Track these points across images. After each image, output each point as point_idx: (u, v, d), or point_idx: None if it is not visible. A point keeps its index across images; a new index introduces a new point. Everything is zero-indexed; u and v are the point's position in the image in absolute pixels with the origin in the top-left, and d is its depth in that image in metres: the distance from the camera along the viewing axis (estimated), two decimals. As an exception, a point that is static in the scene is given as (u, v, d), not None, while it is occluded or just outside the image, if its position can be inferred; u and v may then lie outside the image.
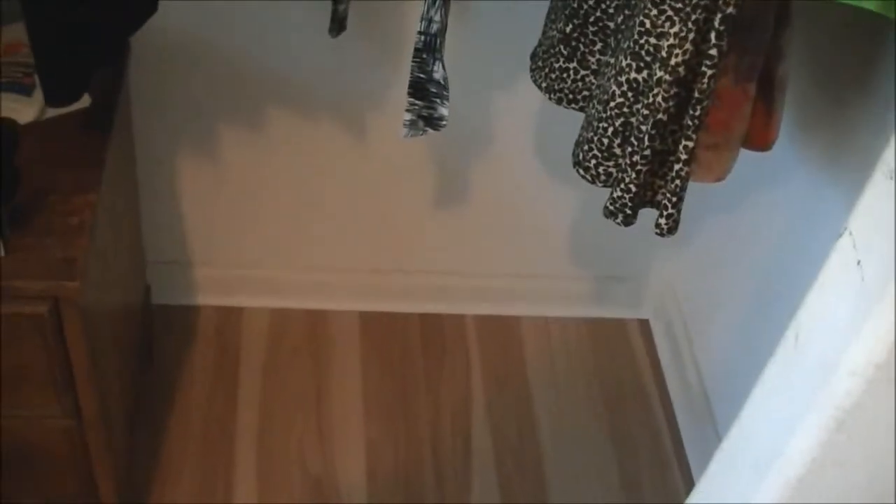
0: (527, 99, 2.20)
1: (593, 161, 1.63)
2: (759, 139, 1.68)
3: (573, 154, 1.68)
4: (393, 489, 2.35)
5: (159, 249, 2.50)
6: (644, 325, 2.72)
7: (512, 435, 2.47)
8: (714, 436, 2.32)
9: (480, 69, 2.19)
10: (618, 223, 1.61)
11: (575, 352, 2.65)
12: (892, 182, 1.03)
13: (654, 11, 1.46)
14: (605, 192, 1.65)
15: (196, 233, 2.51)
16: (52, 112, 1.84)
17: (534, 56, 1.83)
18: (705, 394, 2.43)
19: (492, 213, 2.51)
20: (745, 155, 1.68)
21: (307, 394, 2.49)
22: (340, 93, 2.25)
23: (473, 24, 2.12)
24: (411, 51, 1.70)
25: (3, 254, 1.61)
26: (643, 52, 1.50)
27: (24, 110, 1.82)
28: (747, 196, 2.24)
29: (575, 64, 1.71)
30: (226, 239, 2.53)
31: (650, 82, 1.50)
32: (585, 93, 1.72)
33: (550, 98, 1.77)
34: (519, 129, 2.34)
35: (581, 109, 1.74)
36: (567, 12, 1.69)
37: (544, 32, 1.80)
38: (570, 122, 1.85)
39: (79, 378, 1.75)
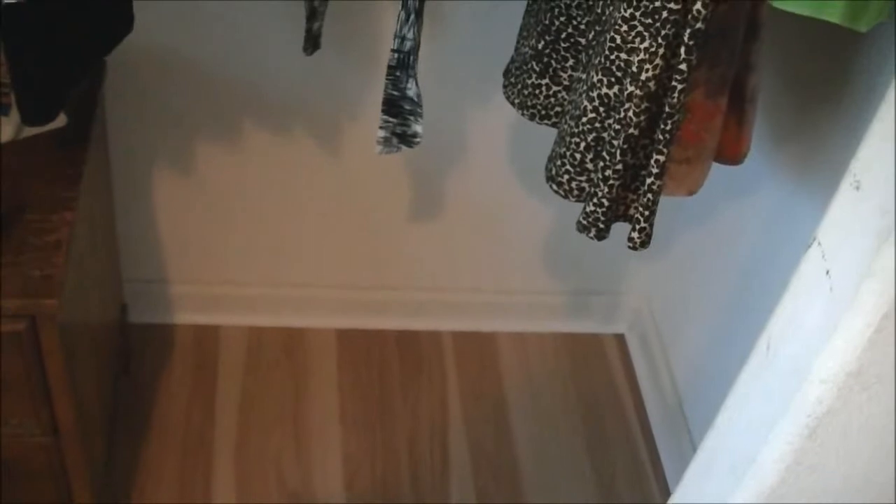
0: (502, 114, 2.22)
1: (566, 176, 1.64)
2: (731, 152, 1.70)
3: (546, 169, 1.69)
4: (370, 501, 2.35)
5: (136, 268, 2.50)
6: (619, 339, 2.74)
7: (489, 448, 2.48)
8: (689, 446, 2.34)
9: (455, 85, 2.21)
10: (591, 237, 1.62)
11: (551, 366, 2.66)
12: (858, 192, 1.05)
13: (625, 27, 1.48)
14: (580, 207, 1.66)
15: (172, 250, 2.51)
16: (30, 130, 1.85)
17: (506, 73, 1.84)
18: (680, 405, 2.44)
19: (468, 229, 2.52)
20: (716, 168, 1.70)
21: (284, 409, 2.50)
22: (317, 107, 2.26)
23: (447, 40, 2.13)
24: (385, 66, 1.72)
25: (-20, 271, 1.62)
26: (614, 68, 1.51)
27: (2, 129, 1.82)
28: (719, 208, 2.26)
29: (547, 80, 1.72)
30: (202, 256, 2.53)
31: (621, 97, 1.52)
32: (558, 108, 1.73)
33: (523, 114, 1.78)
34: (494, 144, 2.35)
35: (554, 125, 1.75)
36: (539, 29, 1.71)
37: (517, 49, 1.82)
38: (546, 136, 1.86)
39: (56, 394, 1.75)
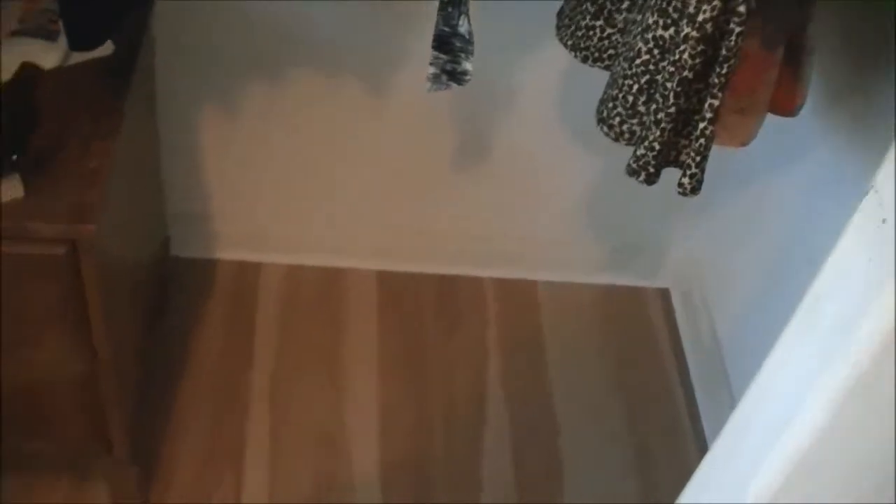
0: (551, 58, 2.17)
1: (617, 119, 1.61)
2: (786, 104, 1.66)
3: (597, 111, 1.67)
4: (404, 448, 2.35)
5: (180, 201, 2.49)
6: (664, 293, 2.71)
7: (525, 398, 2.46)
8: (729, 403, 2.31)
9: (504, 27, 2.17)
10: (640, 181, 1.60)
11: (592, 318, 2.64)
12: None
13: (684, -33, 1.45)
14: (628, 157, 1.64)
15: (217, 185, 2.51)
16: (76, 58, 1.84)
17: (560, 14, 1.81)
18: (722, 361, 2.42)
19: (513, 175, 2.50)
20: (766, 123, 1.67)
21: (322, 351, 2.49)
22: (362, 49, 2.24)
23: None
24: (434, 6, 1.69)
25: (21, 194, 1.61)
26: (670, 9, 1.48)
27: (48, 56, 1.82)
28: (768, 164, 2.23)
29: (601, 21, 1.69)
30: (246, 193, 2.53)
31: (677, 39, 1.48)
32: (611, 51, 1.70)
33: (576, 56, 1.75)
34: (542, 90, 2.32)
35: (606, 68, 1.72)
36: (594, -32, 1.68)
37: (571, -11, 1.78)
38: (595, 83, 1.83)
39: (94, 322, 1.75)
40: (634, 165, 1.60)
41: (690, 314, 2.60)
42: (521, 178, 2.50)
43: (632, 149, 1.64)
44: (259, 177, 2.49)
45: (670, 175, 1.67)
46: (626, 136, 1.62)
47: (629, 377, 2.54)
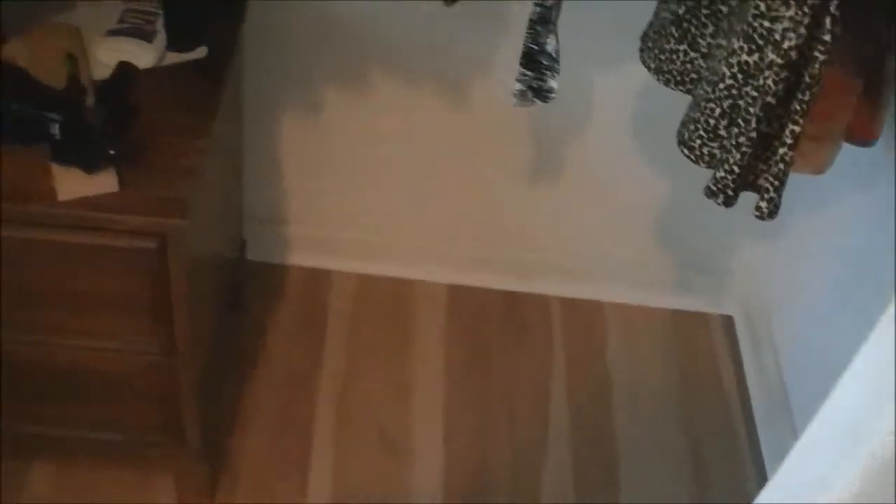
0: (629, 81, 2.22)
1: (698, 141, 1.64)
2: (863, 133, 1.69)
3: (678, 133, 1.70)
4: (466, 454, 2.38)
5: (256, 205, 2.55)
6: (727, 321, 2.72)
7: (587, 415, 2.49)
8: (791, 433, 2.32)
9: (585, 48, 2.20)
10: (719, 203, 1.62)
11: (656, 341, 2.66)
12: None
13: (771, -5, 1.48)
14: (699, 181, 1.66)
15: (292, 192, 2.56)
16: (170, 59, 1.89)
17: (644, 37, 1.84)
18: (784, 391, 2.42)
19: (585, 194, 2.52)
20: (841, 149, 1.69)
21: (390, 357, 2.53)
22: (444, 64, 2.28)
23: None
24: (519, 24, 1.73)
25: (116, 188, 1.67)
26: (756, 35, 1.51)
27: (143, 55, 1.87)
28: (837, 194, 2.23)
29: (685, 46, 1.72)
30: (320, 201, 2.57)
31: (761, 65, 1.51)
32: (693, 75, 1.73)
33: (658, 79, 1.78)
34: (618, 111, 2.35)
35: (688, 91, 1.75)
36: (681, -7, 1.71)
37: (656, 14, 1.82)
38: (671, 108, 1.86)
39: (177, 315, 1.80)
40: (714, 187, 1.63)
41: (755, 344, 2.61)
42: (593, 197, 2.53)
43: (708, 171, 1.67)
44: (335, 185, 2.53)
45: (743, 201, 1.69)
46: (706, 158, 1.65)
47: (690, 402, 2.55)
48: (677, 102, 1.81)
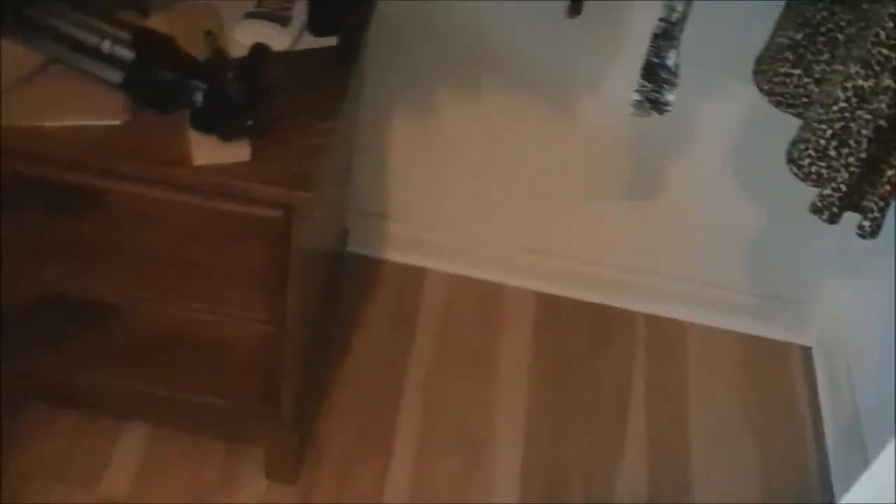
0: (735, 105, 2.26)
1: (807, 160, 1.71)
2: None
3: (787, 152, 1.76)
4: (546, 456, 2.44)
5: (360, 198, 2.62)
6: (806, 351, 2.76)
7: (663, 434, 2.54)
8: (863, 468, 2.33)
9: (696, 69, 2.23)
10: (823, 220, 1.68)
11: (736, 366, 2.70)
12: None
13: (891, 24, 1.54)
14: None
15: (394, 188, 2.63)
16: (302, 44, 1.98)
17: (759, 60, 1.91)
18: (859, 426, 2.45)
19: (680, 214, 2.56)
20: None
21: (477, 357, 2.60)
22: (554, 75, 2.33)
23: (699, 24, 2.16)
24: (637, 38, 1.78)
25: (248, 158, 1.75)
26: (874, 62, 1.57)
27: (279, 39, 1.95)
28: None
29: (800, 70, 1.79)
30: (422, 199, 2.64)
31: (876, 90, 1.57)
32: (805, 98, 1.79)
33: (770, 101, 1.85)
34: (720, 135, 2.37)
35: (798, 115, 1.82)
36: (799, 20, 1.77)
37: (772, 38, 1.88)
38: (776, 135, 1.91)
39: (291, 287, 1.88)
40: (819, 204, 1.69)
41: (832, 377, 2.63)
42: (687, 216, 2.57)
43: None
44: (437, 185, 2.60)
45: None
46: (814, 177, 1.71)
47: (765, 428, 2.59)
48: (775, 131, 1.86)
